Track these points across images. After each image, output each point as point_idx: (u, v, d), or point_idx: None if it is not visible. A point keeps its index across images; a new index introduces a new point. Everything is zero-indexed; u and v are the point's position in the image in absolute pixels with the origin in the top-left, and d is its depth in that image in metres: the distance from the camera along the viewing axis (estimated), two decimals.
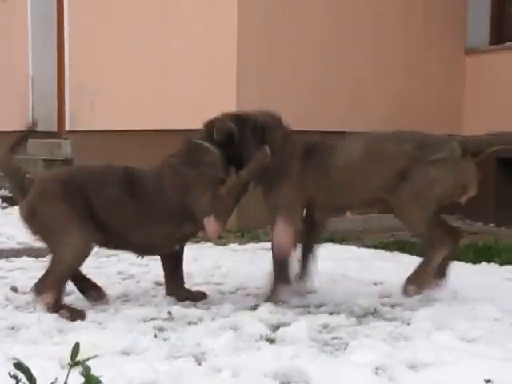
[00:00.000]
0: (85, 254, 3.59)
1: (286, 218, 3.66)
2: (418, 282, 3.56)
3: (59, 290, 3.53)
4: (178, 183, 3.67)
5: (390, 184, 3.58)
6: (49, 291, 3.48)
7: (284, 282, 3.71)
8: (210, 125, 3.84)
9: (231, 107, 6.09)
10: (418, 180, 3.55)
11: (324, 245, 5.52)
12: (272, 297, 3.70)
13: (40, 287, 3.52)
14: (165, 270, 3.97)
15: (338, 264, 4.72)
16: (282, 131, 3.84)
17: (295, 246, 3.77)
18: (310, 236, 3.94)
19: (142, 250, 3.91)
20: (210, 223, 3.60)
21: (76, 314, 3.46)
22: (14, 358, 2.02)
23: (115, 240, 3.76)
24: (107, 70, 7.70)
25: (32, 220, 3.60)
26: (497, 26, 7.12)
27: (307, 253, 3.94)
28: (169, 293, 3.92)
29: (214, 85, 6.31)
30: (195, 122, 6.36)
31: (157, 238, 3.76)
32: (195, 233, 3.92)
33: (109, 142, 7.19)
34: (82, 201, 3.60)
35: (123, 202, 3.66)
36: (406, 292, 3.56)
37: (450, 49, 7.05)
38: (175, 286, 3.94)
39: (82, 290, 3.85)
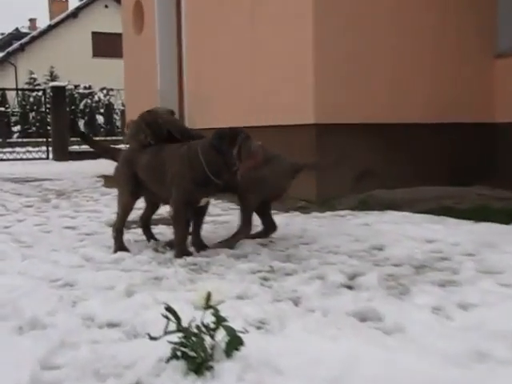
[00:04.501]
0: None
1: None
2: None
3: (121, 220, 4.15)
4: None
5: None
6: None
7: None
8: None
9: (310, 111, 6.08)
10: None
11: (385, 212, 5.49)
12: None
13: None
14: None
15: (397, 227, 4.65)
16: None
17: None
18: None
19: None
20: None
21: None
22: (164, 303, 2.09)
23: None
24: (213, 84, 7.76)
25: None
26: None
27: None
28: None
29: (294, 90, 6.28)
30: (280, 119, 6.46)
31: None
32: None
33: None
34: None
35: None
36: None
37: (481, 54, 6.75)
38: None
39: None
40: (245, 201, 4.15)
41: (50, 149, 16.25)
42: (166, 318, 1.97)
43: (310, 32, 6.03)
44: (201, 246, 4.04)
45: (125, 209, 4.15)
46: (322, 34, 6.04)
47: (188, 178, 3.80)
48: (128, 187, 4.11)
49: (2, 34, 47.06)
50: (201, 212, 4.09)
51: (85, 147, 17.78)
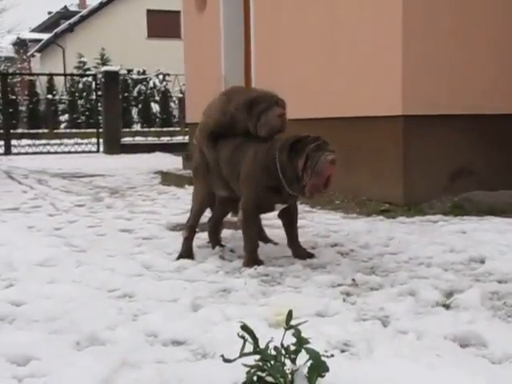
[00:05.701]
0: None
1: None
2: None
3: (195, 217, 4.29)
4: None
5: None
6: None
7: None
8: None
9: (396, 100, 6.01)
10: None
11: (485, 217, 5.37)
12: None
13: None
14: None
15: (501, 236, 4.54)
16: None
17: None
18: None
19: None
20: None
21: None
22: (239, 321, 2.12)
23: None
24: (286, 70, 7.77)
25: None
26: None
27: None
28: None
29: (377, 75, 6.22)
30: (361, 110, 6.42)
31: None
32: None
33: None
34: None
35: None
36: None
37: None
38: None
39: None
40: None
41: (101, 141, 16.64)
42: (243, 338, 1.99)
43: (399, 7, 5.95)
44: (303, 255, 4.04)
45: (201, 204, 4.20)
46: (413, 7, 5.95)
47: (262, 181, 3.82)
48: (207, 180, 4.14)
49: (50, 12, 48.54)
50: (288, 217, 4.07)
51: (139, 139, 18.26)
